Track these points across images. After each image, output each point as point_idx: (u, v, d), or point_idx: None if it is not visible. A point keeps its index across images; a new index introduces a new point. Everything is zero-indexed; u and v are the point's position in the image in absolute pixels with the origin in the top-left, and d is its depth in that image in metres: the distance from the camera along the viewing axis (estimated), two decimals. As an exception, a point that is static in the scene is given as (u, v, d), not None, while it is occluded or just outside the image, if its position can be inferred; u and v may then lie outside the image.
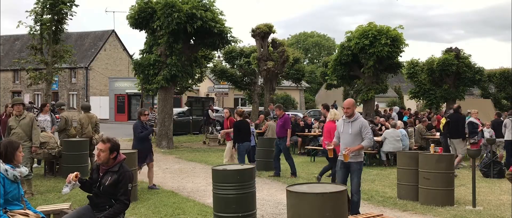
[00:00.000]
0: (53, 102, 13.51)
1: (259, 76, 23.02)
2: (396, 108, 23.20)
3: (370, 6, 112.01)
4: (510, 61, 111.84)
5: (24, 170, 4.92)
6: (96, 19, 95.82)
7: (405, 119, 19.14)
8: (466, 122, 13.70)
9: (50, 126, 11.52)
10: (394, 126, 13.99)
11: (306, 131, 16.97)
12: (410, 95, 26.73)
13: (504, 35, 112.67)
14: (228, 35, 17.29)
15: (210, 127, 21.22)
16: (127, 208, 5.05)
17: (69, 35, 36.36)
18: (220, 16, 16.86)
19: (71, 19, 19.55)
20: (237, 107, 16.31)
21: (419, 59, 26.20)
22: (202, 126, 23.73)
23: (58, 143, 10.94)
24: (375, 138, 13.95)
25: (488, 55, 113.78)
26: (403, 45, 19.31)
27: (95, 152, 5.06)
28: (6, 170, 4.72)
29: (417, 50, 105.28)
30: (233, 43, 18.37)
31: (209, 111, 22.55)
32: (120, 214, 4.92)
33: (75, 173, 4.94)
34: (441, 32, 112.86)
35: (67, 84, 42.99)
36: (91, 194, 5.05)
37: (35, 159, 10.95)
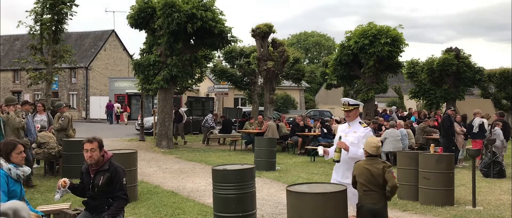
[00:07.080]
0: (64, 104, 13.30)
1: (259, 76, 22.99)
2: (394, 108, 23.22)
3: (358, 8, 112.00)
4: (502, 61, 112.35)
5: (26, 169, 4.92)
6: (96, 19, 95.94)
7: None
8: (479, 123, 13.74)
9: (47, 126, 11.52)
10: (393, 126, 14.00)
11: (306, 130, 16.97)
12: (410, 95, 26.73)
13: (494, 36, 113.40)
14: (228, 35, 17.26)
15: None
16: (127, 203, 5.05)
17: (69, 35, 36.36)
18: (220, 16, 16.82)
19: (71, 19, 19.61)
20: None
21: (419, 59, 26.25)
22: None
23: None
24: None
25: (482, 56, 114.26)
26: (403, 45, 19.30)
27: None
28: (10, 169, 4.72)
29: (410, 51, 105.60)
30: (233, 43, 18.35)
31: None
32: (122, 209, 4.92)
33: (63, 179, 4.92)
34: (432, 33, 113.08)
35: (67, 84, 42.98)
36: (86, 199, 5.03)
37: (35, 159, 10.95)
